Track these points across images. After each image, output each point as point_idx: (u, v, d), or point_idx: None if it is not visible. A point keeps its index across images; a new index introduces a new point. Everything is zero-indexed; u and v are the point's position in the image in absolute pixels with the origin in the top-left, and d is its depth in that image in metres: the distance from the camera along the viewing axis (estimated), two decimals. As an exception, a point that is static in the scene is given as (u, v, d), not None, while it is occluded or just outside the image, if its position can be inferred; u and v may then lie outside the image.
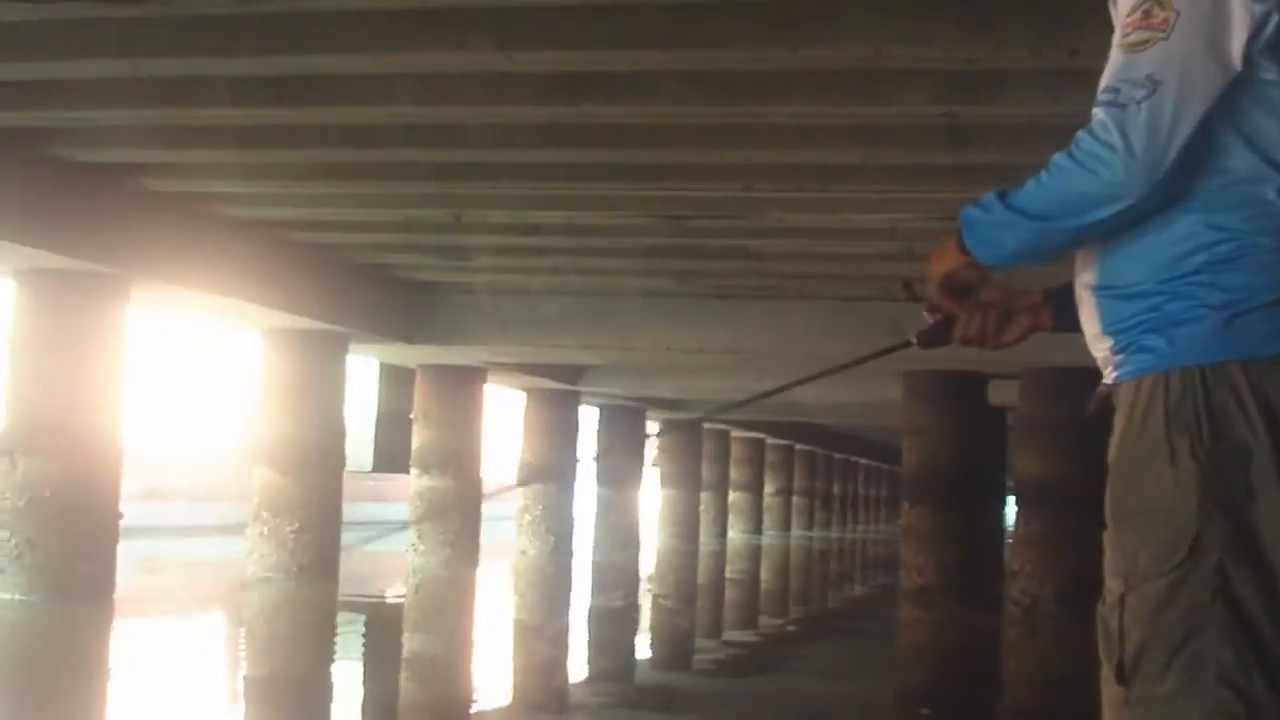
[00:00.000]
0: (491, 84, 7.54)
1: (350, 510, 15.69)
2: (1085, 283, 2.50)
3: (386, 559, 18.79)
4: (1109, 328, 2.46)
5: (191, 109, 8.17)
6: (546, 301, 14.68)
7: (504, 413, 24.39)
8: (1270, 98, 2.33)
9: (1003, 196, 2.43)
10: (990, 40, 6.42)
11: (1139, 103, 2.25)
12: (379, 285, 14.40)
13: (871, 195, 9.48)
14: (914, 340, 2.80)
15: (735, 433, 33.54)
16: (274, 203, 10.93)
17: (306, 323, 13.69)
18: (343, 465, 15.15)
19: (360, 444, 25.62)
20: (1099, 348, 2.51)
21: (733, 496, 34.08)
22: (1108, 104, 2.27)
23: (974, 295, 2.67)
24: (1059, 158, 2.33)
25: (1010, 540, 16.40)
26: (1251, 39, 2.31)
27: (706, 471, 30.86)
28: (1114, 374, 2.48)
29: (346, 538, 15.25)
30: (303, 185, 10.10)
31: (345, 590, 14.61)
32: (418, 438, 18.46)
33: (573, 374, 19.52)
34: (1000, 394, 16.36)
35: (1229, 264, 2.33)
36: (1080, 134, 2.31)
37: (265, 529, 14.34)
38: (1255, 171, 2.33)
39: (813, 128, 8.13)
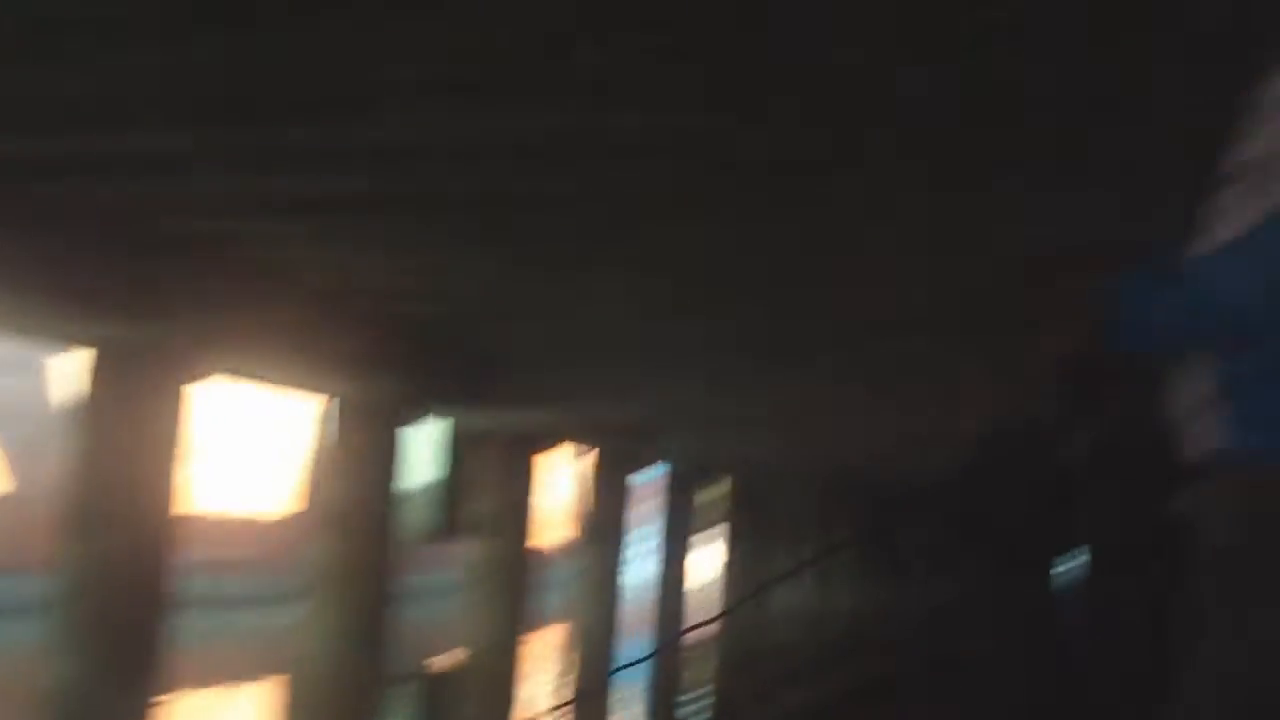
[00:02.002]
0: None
1: (409, 579, 15.52)
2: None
3: (443, 625, 18.62)
4: (1222, 402, 2.22)
5: (269, 177, 8.02)
6: (606, 366, 14.49)
7: (561, 473, 24.21)
8: None
9: (1166, 283, 2.21)
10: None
11: None
12: (441, 350, 14.24)
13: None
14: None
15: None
16: (347, 270, 10.78)
17: (371, 388, 13.56)
18: (400, 532, 15.00)
19: (419, 509, 25.51)
20: (1196, 422, 2.27)
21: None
22: None
23: None
24: (1248, 245, 2.12)
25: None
26: None
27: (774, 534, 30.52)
28: (1212, 453, 2.23)
29: (403, 607, 15.08)
30: (376, 254, 9.97)
31: (399, 658, 14.43)
32: (477, 503, 18.34)
33: (635, 436, 19.34)
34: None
35: None
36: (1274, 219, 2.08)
37: (320, 598, 14.17)
38: None
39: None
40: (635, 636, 19.65)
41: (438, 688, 13.74)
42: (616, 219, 8.65)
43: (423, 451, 23.87)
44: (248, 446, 27.74)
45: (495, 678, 14.81)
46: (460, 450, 20.26)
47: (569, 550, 20.77)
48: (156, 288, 9.97)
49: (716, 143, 6.86)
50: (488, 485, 18.20)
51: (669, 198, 8.03)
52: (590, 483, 20.83)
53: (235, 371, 12.97)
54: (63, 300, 9.48)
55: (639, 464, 21.21)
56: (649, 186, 7.84)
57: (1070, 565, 17.83)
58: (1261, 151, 2.20)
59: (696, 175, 7.46)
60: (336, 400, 14.22)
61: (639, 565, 22.22)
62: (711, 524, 28.54)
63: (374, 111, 6.76)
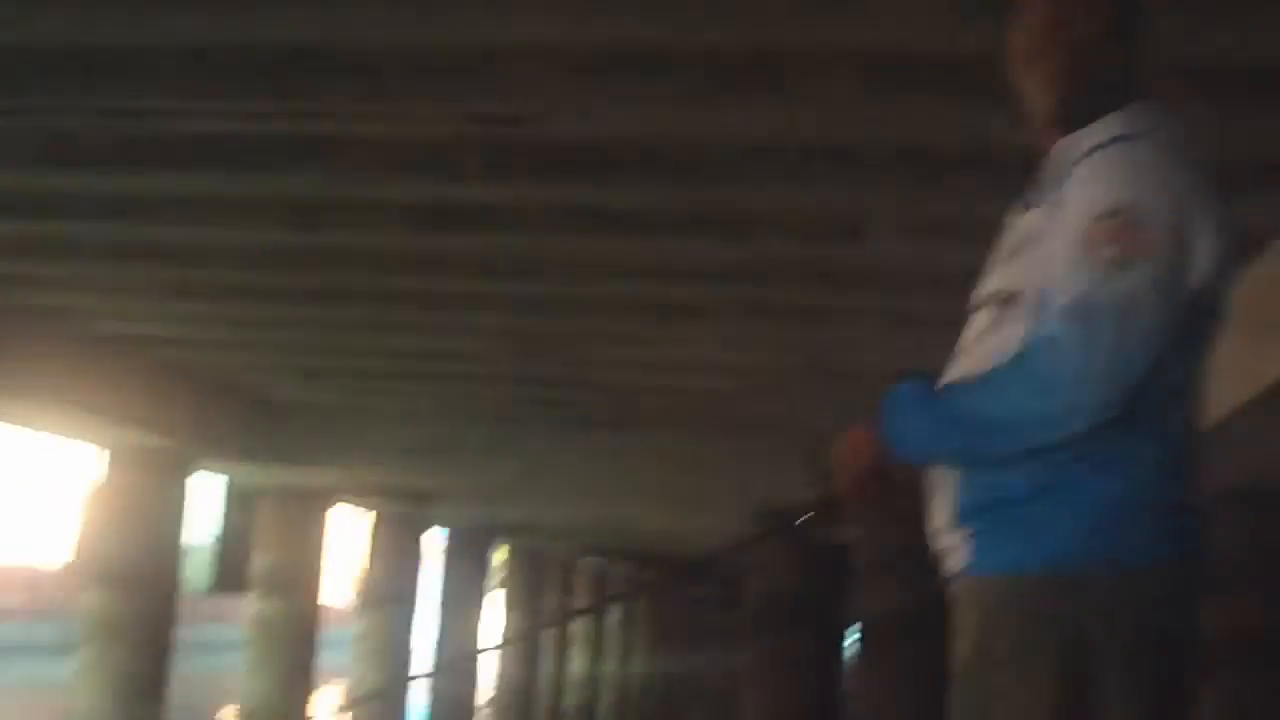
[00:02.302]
0: (356, 211, 7.52)
1: (187, 631, 15.30)
2: (948, 473, 2.43)
3: (222, 681, 18.33)
4: (965, 520, 2.39)
5: (54, 223, 8.03)
6: (399, 425, 14.56)
7: (347, 533, 24.01)
8: (1183, 323, 2.29)
9: (935, 399, 2.35)
10: (857, 187, 6.55)
11: (1111, 327, 2.18)
12: (228, 404, 14.17)
13: (730, 333, 9.56)
14: (797, 522, 2.72)
15: (581, 559, 33.35)
16: (131, 319, 10.73)
17: (152, 440, 13.41)
18: (179, 586, 14.80)
19: (201, 563, 25.06)
20: (948, 537, 2.44)
21: (576, 624, 33.81)
22: (1077, 320, 2.20)
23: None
24: (1011, 371, 2.25)
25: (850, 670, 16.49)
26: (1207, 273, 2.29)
27: (549, 598, 30.62)
28: (963, 565, 2.41)
29: (181, 660, 14.86)
30: (161, 303, 9.95)
31: (178, 714, 14.21)
32: (259, 560, 18.09)
33: (421, 498, 19.31)
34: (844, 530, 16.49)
35: (1103, 472, 2.28)
36: (1037, 349, 2.23)
37: (96, 649, 13.91)
38: (1144, 388, 2.26)
39: (674, 264, 8.19)
40: (418, 697, 19.56)
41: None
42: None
43: (205, 505, 23.52)
44: (22, 495, 27.07)
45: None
46: (244, 505, 19.99)
47: (354, 609, 20.59)
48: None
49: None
50: (272, 541, 17.99)
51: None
52: (376, 543, 20.71)
53: (9, 418, 12.76)
54: None
55: (425, 526, 21.17)
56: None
57: (848, 639, 18.28)
58: (1007, 285, 2.41)
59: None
60: (116, 451, 14.03)
61: (423, 626, 22.11)
62: (494, 587, 28.54)
63: (169, 162, 6.86)
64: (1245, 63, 5.10)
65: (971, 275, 2.58)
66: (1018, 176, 2.61)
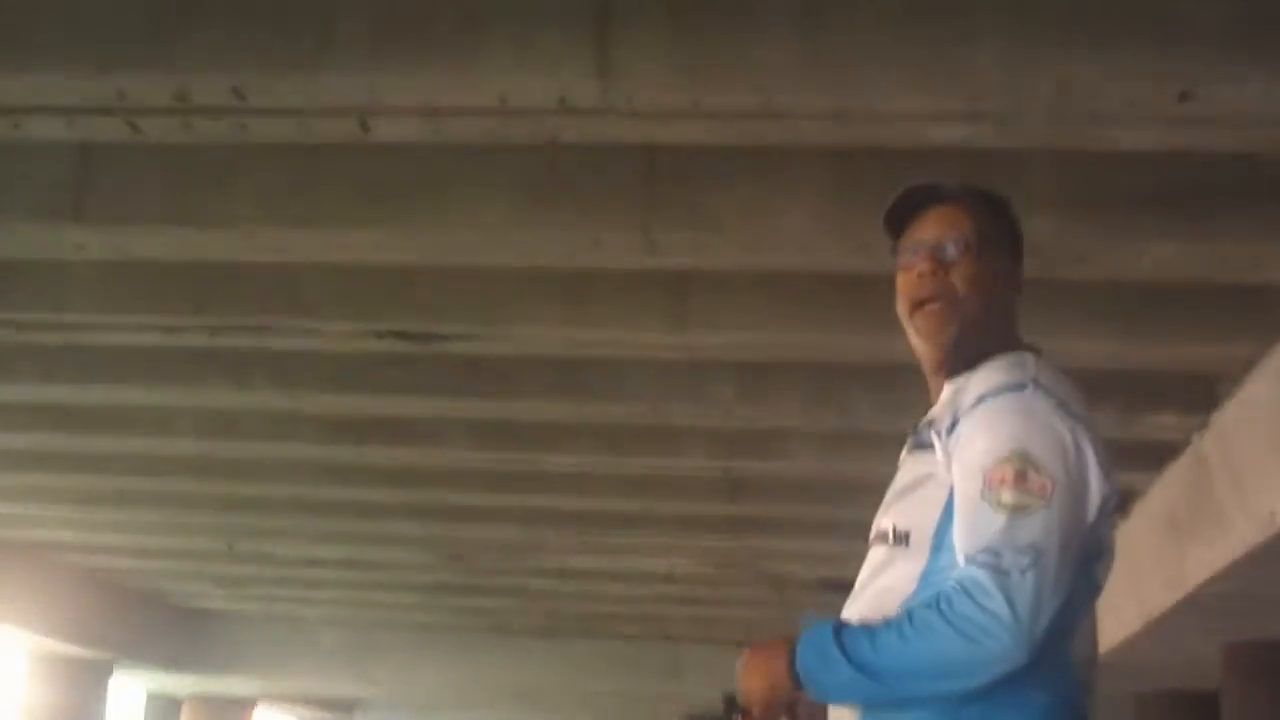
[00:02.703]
0: (274, 422, 7.53)
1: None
2: (852, 713, 2.43)
3: None
4: None
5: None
6: (322, 632, 14.42)
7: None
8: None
9: (848, 644, 2.31)
10: (769, 402, 6.61)
11: (1023, 572, 2.20)
12: (149, 611, 14.01)
13: (651, 541, 9.56)
14: None
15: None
16: (45, 525, 10.63)
17: (70, 649, 13.20)
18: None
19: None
20: None
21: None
22: (990, 568, 2.21)
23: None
24: (929, 616, 2.24)
25: None
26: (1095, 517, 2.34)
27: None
28: None
29: None
30: (77, 510, 9.86)
31: None
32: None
33: (347, 705, 19.01)
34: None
35: (1004, 711, 2.30)
36: (955, 594, 2.23)
37: None
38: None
39: (594, 477, 8.23)
40: None
41: None
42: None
43: (125, 710, 23.04)
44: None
45: None
46: (165, 713, 19.66)
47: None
48: None
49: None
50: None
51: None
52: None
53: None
54: None
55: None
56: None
57: None
58: (900, 524, 2.44)
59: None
60: (35, 659, 13.79)
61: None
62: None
63: (80, 373, 6.87)
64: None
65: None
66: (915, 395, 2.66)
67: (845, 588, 2.58)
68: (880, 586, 2.45)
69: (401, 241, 5.13)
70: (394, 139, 4.61)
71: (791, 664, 2.37)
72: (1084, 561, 2.34)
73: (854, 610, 2.48)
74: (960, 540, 2.30)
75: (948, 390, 2.51)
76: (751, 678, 2.45)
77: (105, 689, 14.50)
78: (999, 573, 2.21)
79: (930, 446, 2.45)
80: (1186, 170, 4.48)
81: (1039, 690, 2.30)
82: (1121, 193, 4.58)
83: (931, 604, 2.26)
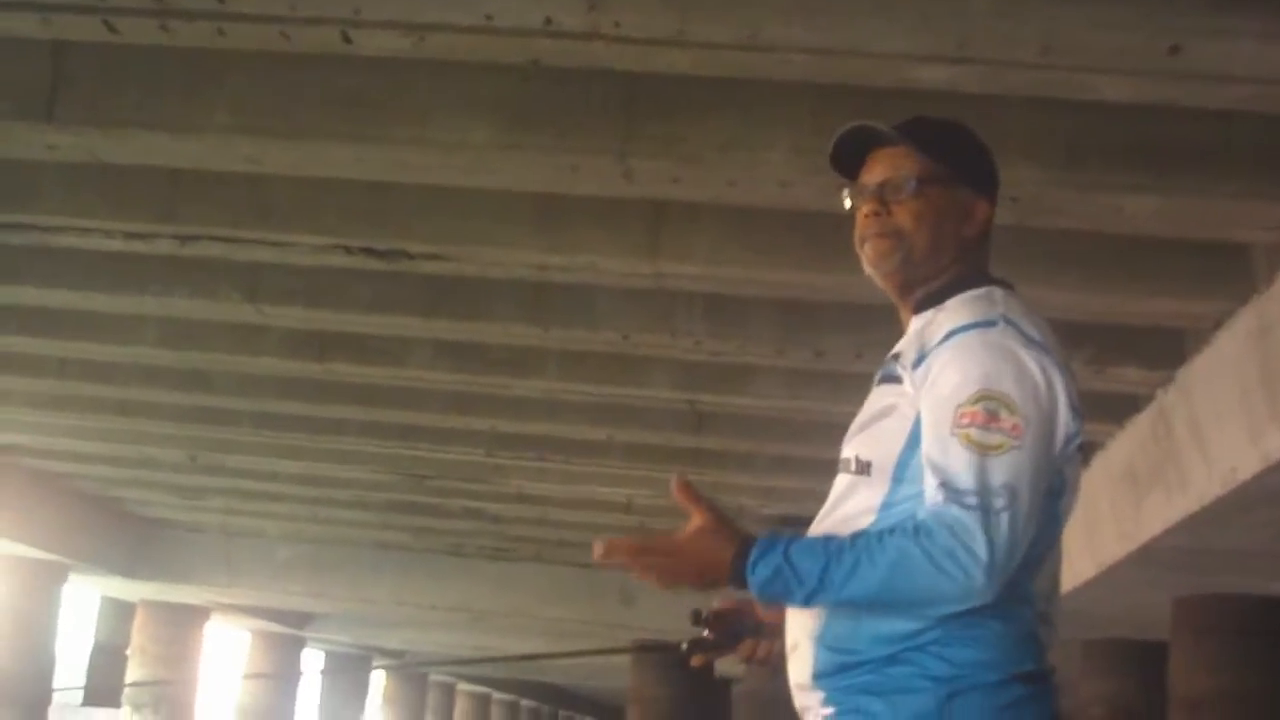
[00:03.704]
0: (240, 334, 7.50)
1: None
2: (806, 630, 2.44)
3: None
4: (823, 680, 2.41)
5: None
6: (278, 546, 14.45)
7: (224, 652, 23.61)
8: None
9: (809, 561, 2.31)
10: (738, 336, 6.61)
11: (1000, 512, 2.24)
12: (106, 517, 14.01)
13: (612, 470, 9.58)
14: (684, 647, 2.64)
15: (461, 685, 32.94)
16: (3, 428, 10.58)
17: (24, 550, 13.20)
18: (49, 698, 14.48)
19: (73, 676, 24.44)
20: (808, 696, 2.45)
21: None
22: (970, 507, 2.24)
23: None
24: (906, 546, 2.26)
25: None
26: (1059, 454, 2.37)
27: (429, 724, 30.20)
28: None
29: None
30: (36, 413, 9.81)
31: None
32: (133, 674, 17.73)
33: (300, 619, 19.06)
34: (725, 665, 16.42)
35: (959, 640, 2.32)
36: (933, 527, 2.25)
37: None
38: None
39: (559, 402, 8.23)
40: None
41: None
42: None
43: (82, 616, 23.06)
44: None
45: None
46: (119, 617, 19.67)
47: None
48: None
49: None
50: (147, 655, 17.66)
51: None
52: (253, 663, 20.42)
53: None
54: None
55: (303, 647, 20.90)
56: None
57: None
58: (863, 454, 2.45)
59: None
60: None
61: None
62: (373, 715, 28.08)
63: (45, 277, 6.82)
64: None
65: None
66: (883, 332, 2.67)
67: (804, 524, 2.58)
68: (841, 514, 2.46)
69: (377, 157, 5.10)
70: (376, 52, 4.57)
71: (737, 562, 2.36)
72: (1050, 498, 2.37)
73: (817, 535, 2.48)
74: (932, 476, 2.31)
75: (915, 324, 2.53)
76: (686, 561, 2.43)
77: (59, 592, 14.51)
78: (978, 511, 2.24)
79: (897, 379, 2.47)
80: (1168, 126, 4.48)
81: (996, 620, 2.32)
82: (1101, 145, 4.60)
83: (907, 533, 2.28)
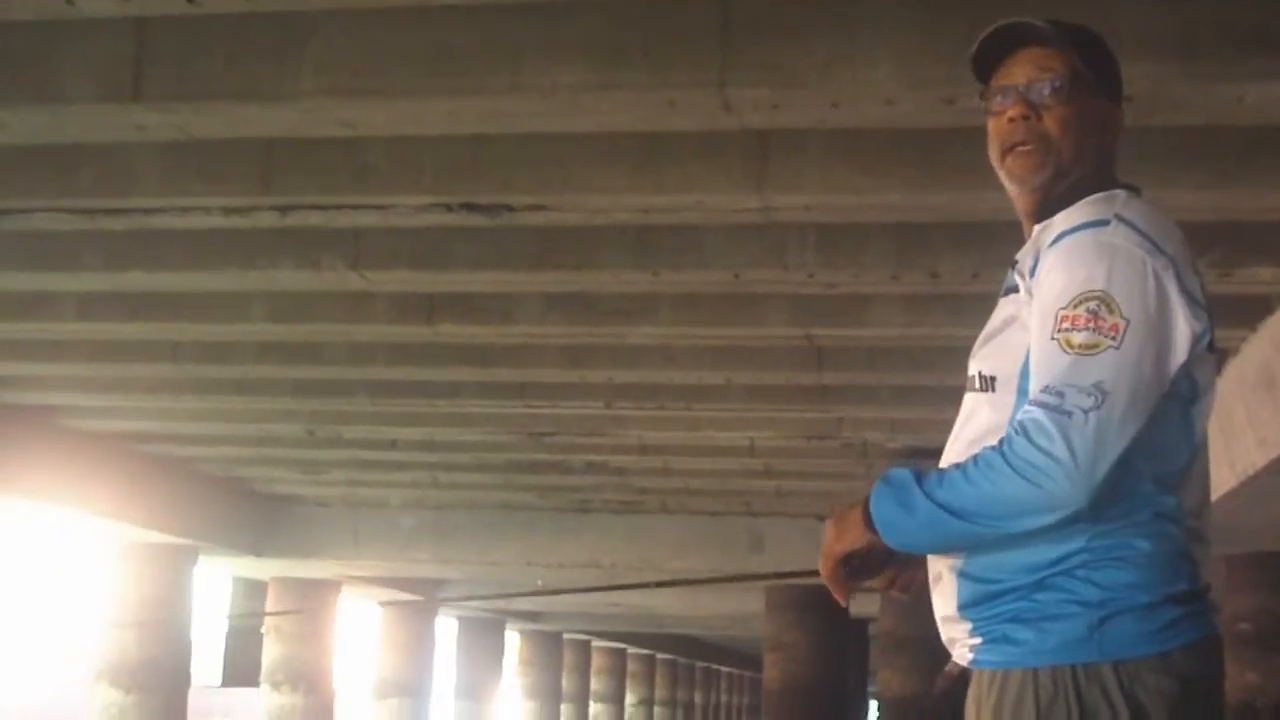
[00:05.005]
0: (347, 303, 7.46)
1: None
2: (948, 562, 2.36)
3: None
4: (969, 611, 2.34)
5: (40, 323, 7.97)
6: (403, 515, 14.50)
7: (360, 624, 23.88)
8: (1169, 410, 2.25)
9: (921, 485, 2.26)
10: (852, 265, 6.45)
11: (1086, 412, 2.14)
12: (231, 498, 14.14)
13: (732, 414, 9.46)
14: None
15: (596, 642, 33.11)
16: (124, 416, 10.69)
17: (155, 536, 13.35)
18: (189, 681, 14.69)
19: (210, 657, 24.86)
20: (954, 627, 2.38)
21: (594, 708, 33.54)
22: (1051, 409, 2.15)
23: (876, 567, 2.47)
24: (992, 457, 2.19)
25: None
26: (1186, 357, 2.25)
27: (567, 682, 30.38)
28: (970, 657, 2.36)
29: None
30: (154, 399, 9.88)
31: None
32: (269, 652, 17.97)
33: (430, 587, 19.18)
34: (861, 605, 16.30)
35: (1106, 563, 2.23)
36: (1015, 435, 2.17)
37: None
38: (1138, 476, 2.23)
39: (674, 348, 8.11)
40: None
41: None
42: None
43: (216, 598, 23.44)
44: (36, 594, 26.95)
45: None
46: (252, 597, 19.94)
47: (367, 700, 20.44)
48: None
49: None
50: (282, 633, 17.88)
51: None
52: (386, 634, 20.61)
53: (14, 518, 12.69)
54: None
55: (435, 614, 21.06)
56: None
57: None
58: (987, 369, 2.36)
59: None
60: (118, 549, 13.96)
61: (439, 716, 21.95)
62: (509, 678, 28.35)
63: (152, 260, 6.81)
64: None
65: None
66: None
67: (932, 455, 2.50)
68: (969, 434, 2.38)
69: (471, 109, 5.00)
70: (461, 1, 4.46)
71: (866, 512, 2.32)
72: (1181, 404, 2.27)
73: (948, 459, 2.41)
74: (1032, 381, 2.23)
75: (1035, 231, 2.41)
76: (828, 532, 2.40)
77: (191, 574, 14.69)
78: (1059, 413, 2.14)
79: (1015, 289, 2.37)
80: (1288, 7, 4.26)
81: (1145, 540, 2.24)
82: (1218, 33, 4.37)
83: (996, 444, 2.20)
